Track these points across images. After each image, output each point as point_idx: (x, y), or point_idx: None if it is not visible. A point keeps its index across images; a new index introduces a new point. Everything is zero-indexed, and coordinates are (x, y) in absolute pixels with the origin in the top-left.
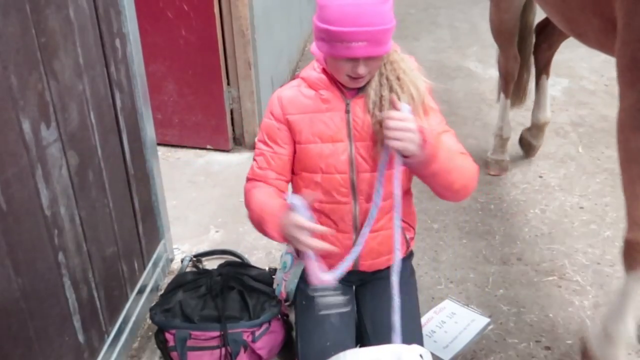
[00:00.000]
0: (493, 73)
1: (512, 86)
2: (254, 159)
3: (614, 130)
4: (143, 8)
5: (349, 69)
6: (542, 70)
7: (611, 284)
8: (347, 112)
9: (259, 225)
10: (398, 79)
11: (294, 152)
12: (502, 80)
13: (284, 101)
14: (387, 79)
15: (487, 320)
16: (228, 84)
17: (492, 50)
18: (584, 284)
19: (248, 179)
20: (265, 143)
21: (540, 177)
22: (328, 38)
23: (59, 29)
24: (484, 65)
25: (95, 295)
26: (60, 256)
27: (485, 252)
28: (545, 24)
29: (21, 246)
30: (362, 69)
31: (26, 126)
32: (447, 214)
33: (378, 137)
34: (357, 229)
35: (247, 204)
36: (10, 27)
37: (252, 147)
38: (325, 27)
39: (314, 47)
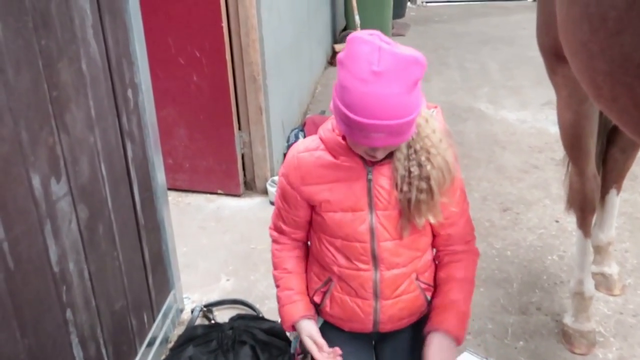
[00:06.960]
0: (504, 114)
1: (592, 220)
2: (275, 205)
3: (631, 174)
4: (155, 54)
5: (366, 151)
6: (613, 182)
7: (636, 335)
8: (369, 180)
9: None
10: (428, 152)
11: (311, 213)
12: (577, 211)
13: (301, 171)
14: (416, 152)
15: None
16: (239, 128)
17: (502, 91)
18: (607, 335)
19: (270, 227)
20: (281, 199)
21: (557, 221)
22: (347, 122)
23: (71, 82)
24: (495, 106)
25: (104, 351)
26: (68, 313)
27: (504, 301)
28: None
29: (28, 305)
30: (380, 154)
31: (36, 181)
32: None
33: (404, 212)
34: (377, 296)
35: (273, 266)
36: (22, 83)
37: (264, 192)
38: (345, 112)
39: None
